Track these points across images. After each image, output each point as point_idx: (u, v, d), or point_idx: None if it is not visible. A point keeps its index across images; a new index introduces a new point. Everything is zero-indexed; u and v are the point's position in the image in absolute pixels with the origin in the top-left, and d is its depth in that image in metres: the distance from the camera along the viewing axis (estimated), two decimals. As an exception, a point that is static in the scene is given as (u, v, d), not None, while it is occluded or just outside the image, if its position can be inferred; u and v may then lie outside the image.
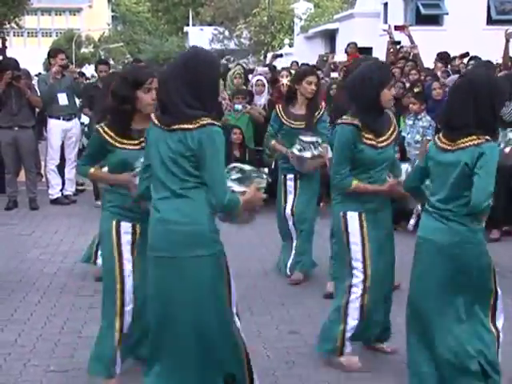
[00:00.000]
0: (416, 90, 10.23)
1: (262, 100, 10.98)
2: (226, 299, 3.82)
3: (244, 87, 11.54)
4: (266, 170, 10.85)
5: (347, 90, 5.02)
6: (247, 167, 4.05)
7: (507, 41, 10.97)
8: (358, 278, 4.81)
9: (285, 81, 11.23)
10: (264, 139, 10.49)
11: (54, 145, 10.86)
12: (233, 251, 7.97)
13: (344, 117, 4.85)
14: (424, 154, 8.96)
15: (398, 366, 4.91)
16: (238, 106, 10.53)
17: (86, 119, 11.51)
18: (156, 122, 3.72)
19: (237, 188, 3.88)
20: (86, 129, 11.49)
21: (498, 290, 4.21)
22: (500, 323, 4.24)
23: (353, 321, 4.85)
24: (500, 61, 11.28)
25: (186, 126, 3.59)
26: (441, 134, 4.12)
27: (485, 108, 3.89)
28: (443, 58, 12.65)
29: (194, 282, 3.71)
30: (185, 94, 3.60)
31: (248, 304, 6.23)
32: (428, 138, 9.22)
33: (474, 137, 3.87)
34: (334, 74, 11.68)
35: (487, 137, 3.87)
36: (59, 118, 10.73)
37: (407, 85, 11.07)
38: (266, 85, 11.19)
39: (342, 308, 4.86)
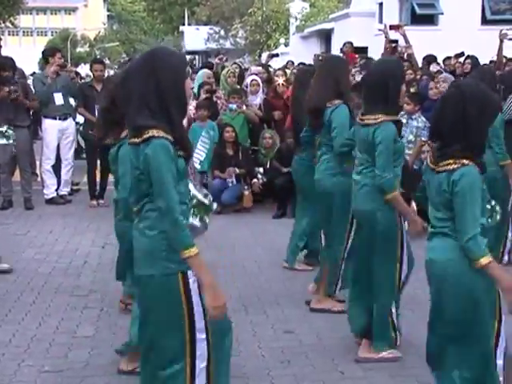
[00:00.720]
0: (412, 89, 10.23)
1: (257, 100, 10.97)
2: (183, 319, 3.43)
3: (238, 86, 11.55)
4: (262, 169, 10.97)
5: (370, 88, 5.04)
6: (197, 193, 3.96)
7: (501, 41, 11.01)
8: None
9: (280, 80, 11.24)
10: (260, 139, 10.55)
11: (49, 145, 10.82)
12: (228, 251, 8.04)
13: (375, 116, 4.91)
14: (418, 154, 9.01)
15: (392, 367, 4.92)
16: (233, 106, 10.53)
17: (81, 119, 11.48)
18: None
19: (195, 222, 3.78)
20: (81, 128, 11.47)
21: None
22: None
23: None
24: (495, 58, 11.32)
25: (133, 140, 3.39)
26: (432, 150, 4.01)
27: (473, 119, 3.76)
28: (430, 61, 12.67)
29: (150, 301, 3.52)
30: (145, 98, 3.37)
31: (243, 303, 6.23)
32: (423, 138, 9.22)
33: (451, 161, 3.74)
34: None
35: (464, 160, 3.72)
36: (55, 118, 10.69)
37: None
38: (261, 84, 11.18)
39: None
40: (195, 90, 11.43)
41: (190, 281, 3.37)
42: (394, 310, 5.09)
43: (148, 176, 3.33)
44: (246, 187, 10.30)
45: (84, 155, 11.98)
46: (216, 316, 3.38)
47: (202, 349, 3.43)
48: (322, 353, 5.19)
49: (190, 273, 3.35)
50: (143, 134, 3.31)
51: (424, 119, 9.36)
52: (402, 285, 5.08)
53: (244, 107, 10.68)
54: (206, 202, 3.97)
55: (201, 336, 3.43)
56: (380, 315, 5.03)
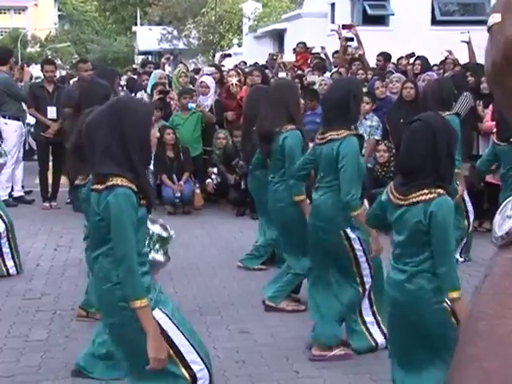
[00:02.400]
0: (364, 89, 10.31)
1: (208, 101, 10.90)
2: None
3: (191, 86, 11.52)
4: (216, 169, 10.92)
5: (331, 106, 5.08)
6: (155, 229, 3.98)
7: (467, 43, 11.16)
8: None
9: (234, 80, 11.23)
10: (213, 139, 10.54)
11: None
12: (183, 251, 8.02)
13: (338, 131, 4.95)
14: (371, 152, 9.08)
15: (346, 365, 4.97)
16: (192, 105, 10.49)
17: (31, 120, 11.33)
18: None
19: (158, 257, 3.80)
20: (33, 129, 11.31)
21: None
22: None
23: None
24: (445, 54, 11.49)
25: (96, 187, 3.41)
26: (392, 187, 4.00)
27: (443, 151, 3.83)
28: (386, 58, 12.81)
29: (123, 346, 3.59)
30: (110, 147, 3.38)
31: (198, 304, 6.22)
32: (376, 137, 9.33)
33: (426, 191, 3.77)
34: (282, 74, 11.73)
35: (439, 190, 3.78)
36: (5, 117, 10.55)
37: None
38: (213, 85, 11.13)
39: None
40: (148, 91, 11.39)
41: (158, 321, 3.41)
42: (367, 319, 5.17)
43: (107, 223, 3.34)
44: (197, 185, 10.28)
45: (35, 157, 11.83)
46: (156, 367, 3.37)
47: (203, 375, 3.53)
48: (277, 352, 5.21)
49: (154, 313, 3.39)
50: (106, 182, 3.34)
51: (377, 118, 9.46)
52: (369, 292, 5.15)
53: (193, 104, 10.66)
54: (165, 234, 4.03)
55: (198, 367, 3.51)
56: (331, 316, 5.09)
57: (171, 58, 15.32)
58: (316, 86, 10.92)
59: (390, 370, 4.80)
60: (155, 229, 3.96)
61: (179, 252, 7.88)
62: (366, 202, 7.21)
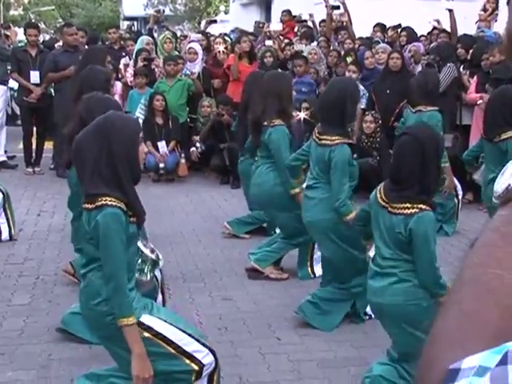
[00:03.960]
0: (349, 59, 10.29)
1: (195, 68, 10.86)
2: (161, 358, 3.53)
3: (176, 52, 11.44)
4: (196, 148, 10.73)
5: (327, 107, 5.14)
6: (145, 250, 4.03)
7: (449, 11, 11.09)
8: None
9: (221, 48, 11.16)
10: (198, 107, 10.49)
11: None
12: (167, 218, 8.03)
13: (332, 137, 5.04)
14: (360, 123, 9.06)
15: (327, 333, 5.02)
16: (187, 71, 10.45)
17: (15, 84, 11.22)
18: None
19: (144, 278, 3.86)
20: (16, 94, 11.21)
21: None
22: None
23: None
24: (433, 24, 11.45)
25: (86, 206, 3.45)
26: (382, 187, 4.10)
27: (432, 163, 3.91)
28: (382, 29, 12.77)
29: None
30: (98, 167, 3.41)
31: (181, 271, 6.24)
32: (362, 106, 9.32)
33: (408, 205, 3.86)
34: (269, 42, 11.66)
35: (421, 205, 3.85)
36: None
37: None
38: (200, 52, 11.07)
39: None
40: (133, 57, 11.29)
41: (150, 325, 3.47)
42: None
43: (97, 242, 3.39)
44: (182, 155, 10.26)
45: (18, 122, 11.74)
46: None
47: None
48: (259, 319, 5.25)
49: (142, 320, 3.44)
50: (96, 202, 3.38)
51: (362, 87, 9.44)
52: None
53: (186, 70, 10.60)
54: (154, 257, 4.10)
55: (202, 354, 3.56)
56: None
57: (162, 9, 15.10)
58: (305, 55, 10.89)
59: (369, 338, 4.88)
60: (145, 250, 4.05)
61: (163, 219, 7.90)
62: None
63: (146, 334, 3.47)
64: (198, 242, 7.25)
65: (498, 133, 6.16)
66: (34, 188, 9.35)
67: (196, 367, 3.55)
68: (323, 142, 5.11)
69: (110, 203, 3.37)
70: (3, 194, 7.04)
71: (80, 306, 3.71)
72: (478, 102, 8.66)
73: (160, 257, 4.38)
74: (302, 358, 4.60)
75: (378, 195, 4.05)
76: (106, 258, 3.37)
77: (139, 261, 3.83)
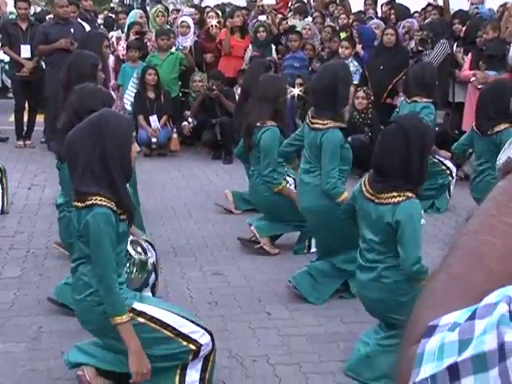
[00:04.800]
0: (343, 34, 10.25)
1: (187, 42, 10.78)
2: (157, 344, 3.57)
3: (168, 26, 11.36)
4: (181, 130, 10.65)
5: (319, 91, 5.14)
6: (134, 253, 4.07)
7: None
8: None
9: (213, 22, 11.08)
10: (190, 82, 10.43)
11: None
12: (158, 193, 8.02)
13: (324, 121, 5.05)
14: (352, 99, 9.06)
15: (318, 308, 5.04)
16: (180, 46, 10.39)
17: (5, 57, 11.13)
18: None
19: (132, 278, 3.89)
20: (7, 66, 11.13)
21: None
22: None
23: None
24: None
25: (76, 204, 3.46)
26: (366, 180, 4.09)
27: (416, 154, 3.89)
28: (374, 3, 12.73)
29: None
30: (90, 164, 3.42)
31: (172, 245, 6.24)
32: (355, 82, 9.29)
33: (395, 193, 3.87)
34: (262, 17, 11.58)
35: (408, 193, 3.87)
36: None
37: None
38: (192, 26, 10.99)
39: None
40: (125, 30, 11.21)
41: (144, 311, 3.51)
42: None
43: (87, 240, 3.41)
44: (174, 130, 10.22)
45: (9, 94, 11.66)
46: (140, 381, 3.46)
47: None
48: (250, 294, 5.26)
49: (134, 306, 3.48)
50: (86, 200, 3.38)
51: (356, 63, 9.42)
52: None
53: (173, 49, 10.53)
54: (144, 258, 4.14)
55: (199, 334, 3.59)
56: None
57: None
58: (298, 30, 10.84)
59: (359, 314, 4.90)
60: (134, 253, 4.09)
61: (155, 194, 7.89)
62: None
63: (141, 320, 3.50)
64: (189, 216, 7.24)
65: (490, 125, 6.20)
66: (24, 161, 9.32)
67: (193, 347, 3.58)
68: (315, 125, 5.12)
69: (100, 203, 3.38)
70: (0, 169, 7.05)
71: (73, 302, 3.72)
72: (472, 80, 8.65)
73: (150, 254, 4.44)
74: (292, 332, 4.62)
75: (363, 188, 4.04)
76: (96, 258, 3.40)
77: (127, 264, 3.85)
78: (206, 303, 5.07)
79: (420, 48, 9.40)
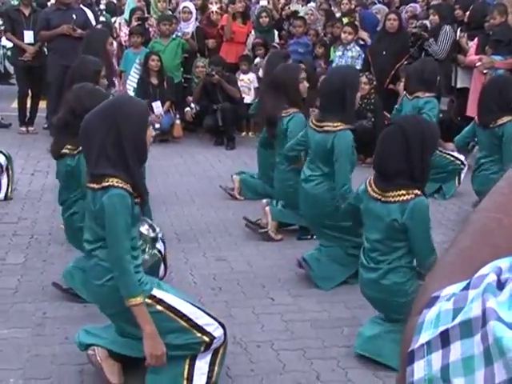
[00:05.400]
0: (345, 20, 10.21)
1: (189, 28, 10.74)
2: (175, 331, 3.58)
3: (170, 12, 11.31)
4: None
5: (328, 95, 5.16)
6: (144, 230, 4.11)
7: None
8: None
9: (214, 8, 11.04)
10: (192, 67, 10.41)
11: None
12: (161, 179, 8.02)
13: (334, 123, 5.06)
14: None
15: (321, 294, 5.05)
16: (178, 33, 10.37)
17: (7, 42, 11.10)
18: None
19: (145, 257, 3.94)
20: (9, 53, 11.10)
21: None
22: None
23: None
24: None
25: (92, 186, 3.48)
26: (372, 179, 4.09)
27: (416, 156, 3.88)
28: None
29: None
30: (105, 148, 3.44)
31: (175, 231, 6.25)
32: (357, 67, 9.26)
33: (403, 191, 3.86)
34: (264, 2, 11.54)
35: (416, 190, 3.87)
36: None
37: (338, 15, 11.06)
38: (194, 12, 10.95)
39: None
40: (126, 17, 11.17)
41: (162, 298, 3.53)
42: None
43: (102, 222, 3.41)
44: (177, 116, 10.20)
45: (11, 80, 11.64)
46: (155, 364, 3.48)
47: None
48: (253, 280, 5.27)
49: (153, 293, 3.50)
50: (102, 182, 3.40)
51: (358, 48, 9.39)
52: None
53: (178, 32, 10.50)
54: (153, 235, 4.18)
55: (213, 327, 3.60)
56: None
57: None
58: (301, 15, 10.82)
59: (362, 299, 4.90)
60: (144, 230, 4.14)
61: (157, 180, 7.89)
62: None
63: (159, 307, 3.53)
64: (191, 202, 7.24)
65: (493, 118, 6.21)
66: (27, 147, 9.31)
67: (207, 339, 3.60)
68: (325, 128, 5.11)
69: (116, 184, 3.40)
70: (6, 156, 7.13)
71: (88, 285, 3.73)
72: (477, 64, 8.62)
73: (157, 230, 4.49)
74: (296, 318, 4.63)
75: (369, 188, 4.05)
76: (111, 240, 3.40)
77: (140, 241, 3.86)
78: (209, 289, 5.08)
79: (415, 39, 9.30)
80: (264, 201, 6.35)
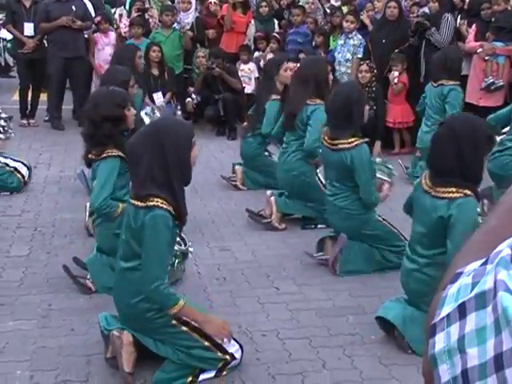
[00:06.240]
0: (345, 8, 10.17)
1: (189, 18, 10.70)
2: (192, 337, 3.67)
3: (170, 2, 11.28)
4: (192, 98, 10.57)
5: (335, 114, 5.20)
6: (180, 247, 4.40)
7: None
8: None
9: (213, -1, 11.00)
10: (193, 58, 10.38)
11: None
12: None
13: (348, 139, 5.12)
14: (356, 72, 9.00)
15: (325, 282, 5.05)
16: (176, 26, 10.33)
17: (7, 35, 11.07)
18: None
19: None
20: (9, 45, 11.07)
21: None
22: None
23: None
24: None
25: (135, 203, 3.55)
26: (427, 174, 4.11)
27: (468, 155, 3.87)
28: None
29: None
30: (152, 171, 3.53)
31: (178, 222, 6.24)
32: (359, 55, 9.24)
33: (454, 189, 3.87)
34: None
35: (467, 190, 3.86)
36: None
37: (337, 4, 11.03)
38: (194, 2, 10.91)
39: None
40: (127, 7, 11.13)
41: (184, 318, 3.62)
42: None
43: (139, 239, 3.49)
44: (178, 107, 10.18)
45: (11, 73, 11.61)
46: (226, 337, 3.68)
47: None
48: (258, 269, 5.27)
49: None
50: (147, 201, 3.48)
51: (360, 37, 9.35)
52: None
53: (176, 24, 10.47)
54: (183, 249, 4.45)
55: (234, 348, 3.75)
56: None
57: None
58: (301, 4, 10.78)
59: (367, 288, 4.92)
60: (177, 247, 4.27)
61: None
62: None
63: (184, 328, 3.61)
64: (194, 193, 7.22)
65: None
66: (29, 140, 9.30)
67: (228, 358, 3.70)
68: (340, 146, 5.14)
69: (160, 205, 3.48)
70: (27, 167, 7.26)
71: (119, 303, 3.75)
72: (478, 51, 8.60)
73: (188, 244, 4.65)
74: (301, 307, 4.63)
75: (423, 180, 4.08)
76: (151, 259, 3.48)
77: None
78: (214, 279, 5.08)
79: (417, 28, 9.24)
80: (268, 192, 6.35)
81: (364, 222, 5.20)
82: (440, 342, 0.82)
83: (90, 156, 4.80)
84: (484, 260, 0.82)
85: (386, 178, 5.29)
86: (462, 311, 0.80)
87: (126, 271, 3.63)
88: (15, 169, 7.10)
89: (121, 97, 4.76)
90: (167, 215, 3.49)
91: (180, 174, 3.59)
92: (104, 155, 4.59)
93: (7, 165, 7.09)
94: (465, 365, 0.78)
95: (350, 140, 5.10)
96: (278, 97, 6.96)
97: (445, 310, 0.83)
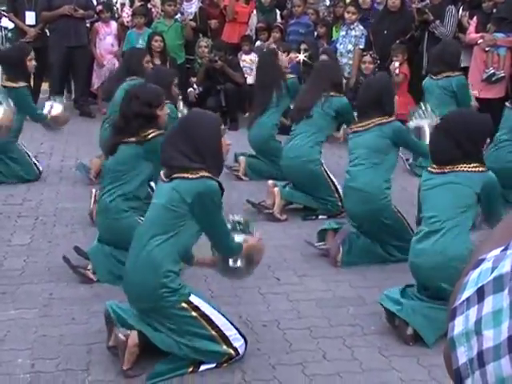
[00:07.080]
0: (348, -1, 10.15)
1: (192, 8, 10.68)
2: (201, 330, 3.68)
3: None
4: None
5: (368, 104, 5.29)
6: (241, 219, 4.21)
7: None
8: None
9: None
10: (195, 48, 10.37)
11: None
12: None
13: (382, 117, 5.23)
14: (358, 63, 8.99)
15: (326, 273, 5.06)
16: (178, 17, 10.30)
17: (8, 24, 11.04)
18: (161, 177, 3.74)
19: (238, 238, 4.00)
20: (10, 34, 11.05)
21: None
22: None
23: None
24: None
25: (184, 175, 3.59)
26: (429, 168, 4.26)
27: (466, 144, 4.05)
28: None
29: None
30: (185, 150, 3.62)
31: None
32: (360, 46, 9.23)
33: (475, 164, 4.06)
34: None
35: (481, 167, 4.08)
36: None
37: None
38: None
39: None
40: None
41: (197, 305, 3.67)
42: None
43: (185, 210, 3.57)
44: (179, 97, 10.15)
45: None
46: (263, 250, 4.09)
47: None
48: (258, 260, 5.27)
49: (190, 299, 3.65)
50: (194, 173, 3.58)
51: (361, 27, 9.34)
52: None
53: (179, 15, 10.45)
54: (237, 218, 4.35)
55: (239, 342, 3.75)
56: None
57: None
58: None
59: (367, 279, 4.92)
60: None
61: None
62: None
63: (194, 313, 3.63)
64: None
65: None
66: (30, 129, 9.23)
67: (232, 353, 3.71)
68: (371, 125, 5.20)
69: (209, 175, 3.59)
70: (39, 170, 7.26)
71: (132, 284, 3.71)
72: (479, 42, 8.58)
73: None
74: (301, 297, 4.64)
75: (431, 169, 4.21)
76: (216, 229, 3.71)
77: (231, 226, 4.02)
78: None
79: (419, 17, 9.22)
80: (270, 181, 6.35)
81: (383, 207, 5.18)
82: (459, 325, 0.85)
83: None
84: (505, 246, 0.85)
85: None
86: (480, 294, 0.83)
87: (149, 244, 3.60)
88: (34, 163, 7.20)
89: (155, 95, 4.75)
90: (218, 187, 3.62)
91: (215, 165, 3.67)
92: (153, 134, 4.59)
93: (28, 155, 7.12)
94: (481, 346, 0.81)
95: (385, 117, 5.21)
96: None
97: (465, 294, 0.85)
